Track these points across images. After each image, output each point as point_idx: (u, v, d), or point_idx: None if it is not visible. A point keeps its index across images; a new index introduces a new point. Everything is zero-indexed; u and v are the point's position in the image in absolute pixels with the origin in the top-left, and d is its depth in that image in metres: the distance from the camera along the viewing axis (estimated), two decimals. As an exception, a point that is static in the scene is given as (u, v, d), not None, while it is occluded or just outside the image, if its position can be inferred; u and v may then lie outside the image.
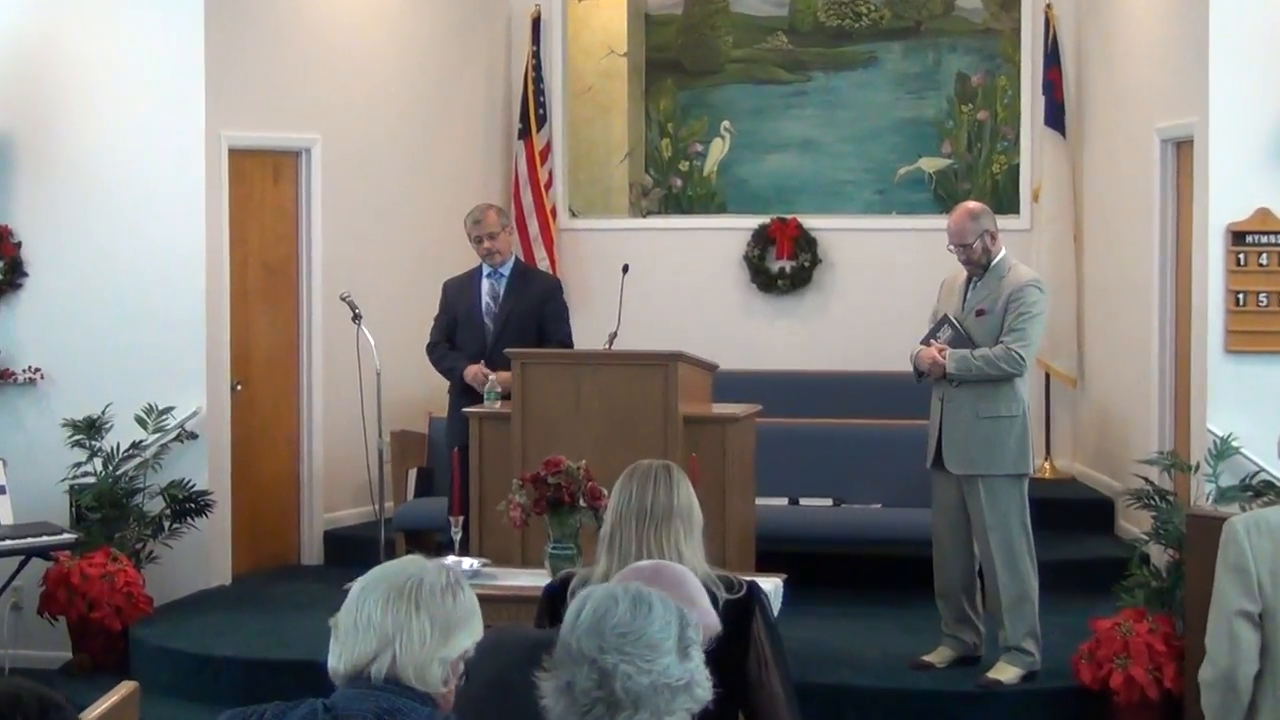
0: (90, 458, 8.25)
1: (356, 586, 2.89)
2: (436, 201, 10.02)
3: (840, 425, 9.04)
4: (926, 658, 7.10)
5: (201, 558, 8.56)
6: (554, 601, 4.35)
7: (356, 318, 7.86)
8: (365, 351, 7.81)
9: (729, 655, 3.81)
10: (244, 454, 8.93)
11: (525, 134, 10.78)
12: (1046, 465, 10.17)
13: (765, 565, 6.81)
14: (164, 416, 8.37)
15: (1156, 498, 7.30)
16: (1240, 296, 7.55)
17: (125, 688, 4.33)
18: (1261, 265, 7.54)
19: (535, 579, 5.88)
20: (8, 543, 7.69)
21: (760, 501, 7.60)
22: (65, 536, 7.94)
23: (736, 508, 6.99)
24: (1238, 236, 7.55)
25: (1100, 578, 7.76)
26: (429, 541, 8.63)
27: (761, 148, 11.13)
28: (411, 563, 2.92)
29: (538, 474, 5.99)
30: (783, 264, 10.78)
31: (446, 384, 8.17)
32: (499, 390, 7.42)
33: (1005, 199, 10.63)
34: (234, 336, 8.82)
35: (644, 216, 11.35)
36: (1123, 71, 9.39)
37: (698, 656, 2.72)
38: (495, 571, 6.41)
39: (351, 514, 9.53)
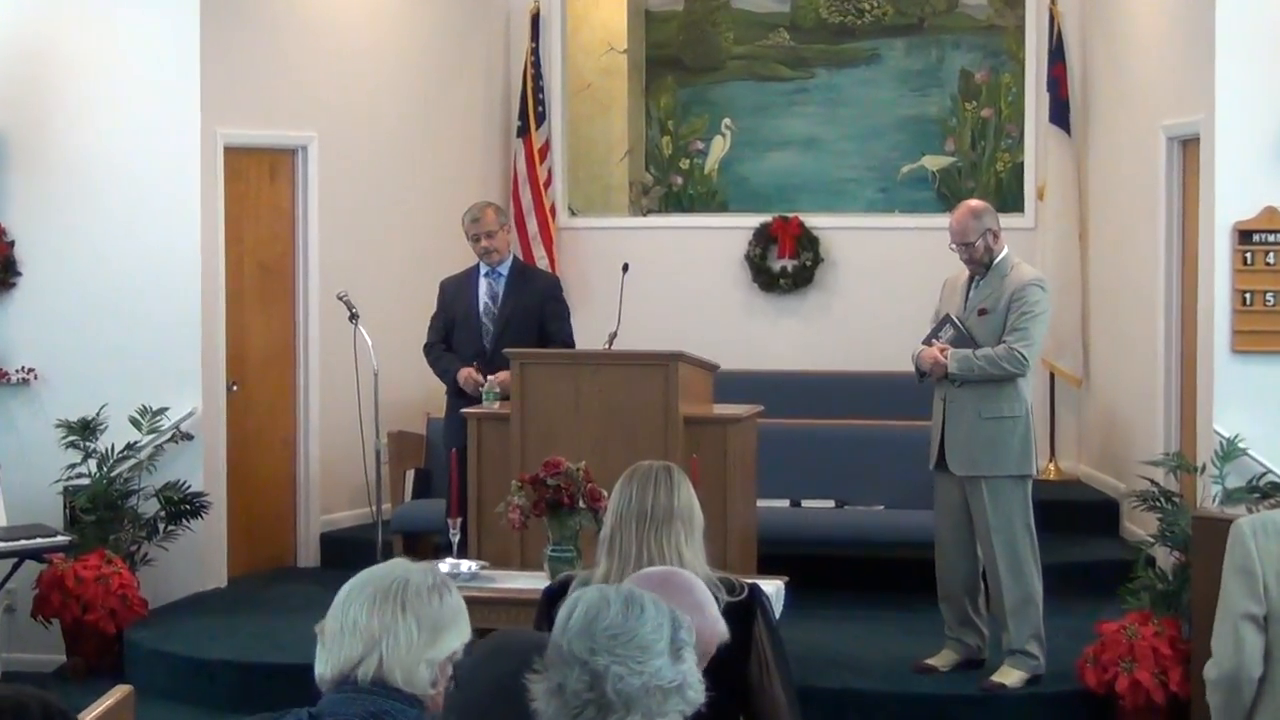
0: (84, 459, 8.25)
1: (342, 591, 2.90)
2: (435, 200, 10.02)
3: (843, 426, 9.04)
4: (930, 661, 7.10)
5: (197, 560, 8.56)
6: (553, 604, 4.34)
7: (354, 317, 7.85)
8: (362, 352, 7.81)
9: (730, 659, 3.81)
10: (240, 455, 8.93)
11: (524, 131, 10.78)
12: (1051, 466, 10.17)
13: (767, 567, 6.82)
14: (159, 417, 8.37)
15: (1162, 499, 7.30)
16: (1247, 296, 7.55)
17: (120, 692, 4.33)
18: (1268, 264, 7.54)
19: (534, 582, 5.88)
20: (1, 545, 7.69)
21: (762, 503, 7.59)
22: (59, 539, 7.94)
23: (738, 509, 6.99)
24: (1244, 235, 7.55)
25: (1105, 580, 7.76)
26: (427, 543, 8.64)
27: (763, 145, 11.13)
28: (397, 565, 2.93)
29: (537, 475, 5.99)
30: (784, 263, 10.78)
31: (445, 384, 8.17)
32: (498, 391, 7.41)
33: (1009, 197, 10.63)
34: (230, 336, 8.82)
35: (644, 215, 11.35)
36: (1128, 68, 9.39)
37: (690, 658, 2.72)
38: (494, 574, 6.41)
39: (348, 516, 9.52)
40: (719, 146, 11.21)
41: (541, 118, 10.82)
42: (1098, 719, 6.82)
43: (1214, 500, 7.09)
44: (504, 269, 8.02)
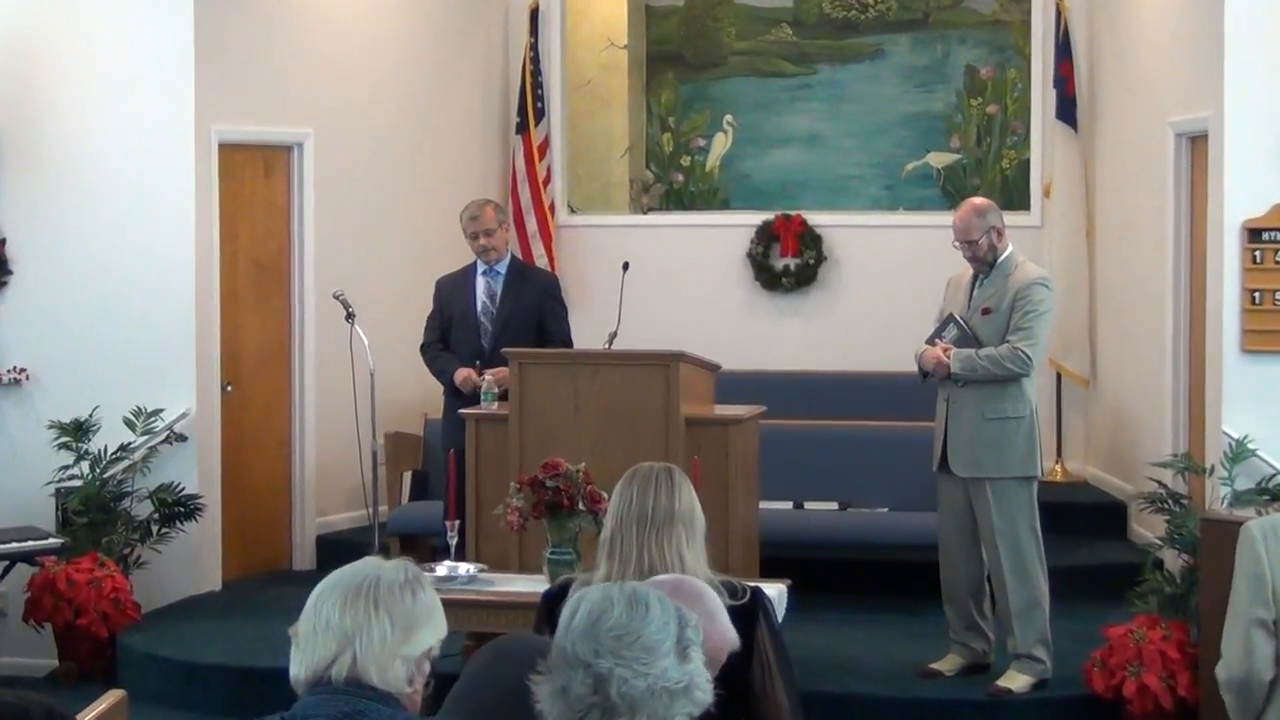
0: (77, 460, 8.25)
1: (314, 591, 2.91)
2: (432, 197, 10.02)
3: (846, 427, 9.04)
4: (935, 666, 7.10)
5: (191, 563, 8.56)
6: (552, 608, 4.35)
7: (350, 317, 7.85)
8: (359, 351, 7.81)
9: (733, 663, 3.81)
10: (234, 457, 8.93)
11: (523, 128, 10.78)
12: (1057, 467, 10.17)
13: (769, 571, 6.82)
14: (153, 418, 8.37)
15: (1170, 501, 7.30)
16: (1256, 295, 7.54)
17: (112, 696, 4.33)
18: (1278, 263, 7.54)
19: (533, 585, 5.88)
20: (-8, 547, 7.70)
21: (764, 505, 7.59)
22: (51, 541, 7.94)
23: (740, 512, 6.99)
24: (1253, 233, 7.55)
25: (1113, 583, 7.76)
26: (424, 546, 8.63)
27: (765, 142, 11.13)
28: (368, 563, 2.93)
29: (536, 477, 5.99)
30: (787, 261, 10.78)
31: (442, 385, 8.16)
32: (496, 390, 7.41)
33: (1015, 195, 10.63)
34: (224, 336, 8.82)
35: (645, 213, 11.36)
36: (1136, 64, 9.39)
37: (697, 657, 2.69)
38: (492, 577, 6.41)
39: (345, 518, 9.52)
40: (720, 143, 11.21)
41: (541, 114, 10.82)
42: (1105, 724, 6.82)
43: (1223, 502, 7.09)
44: (502, 267, 8.01)
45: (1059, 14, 10.21)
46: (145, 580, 8.25)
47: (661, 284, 10.46)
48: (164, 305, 8.52)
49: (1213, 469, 7.31)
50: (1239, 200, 7.56)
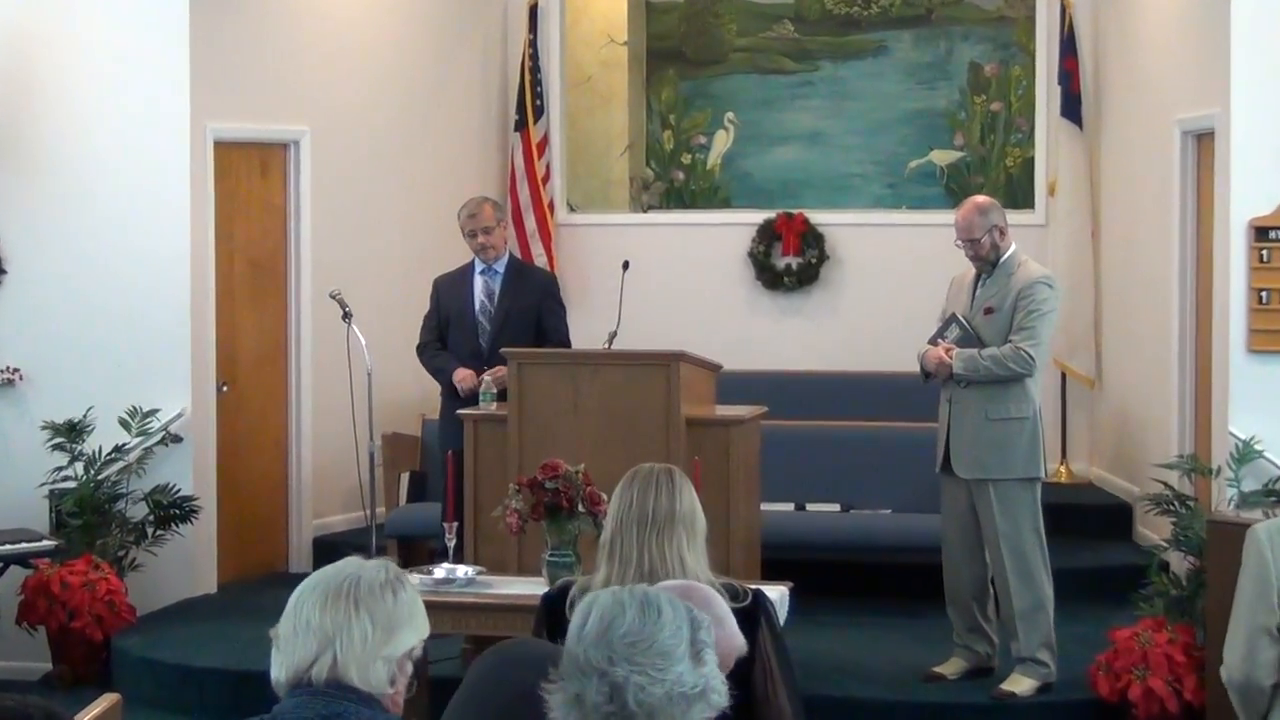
0: (71, 462, 8.25)
1: (295, 593, 2.91)
2: (430, 196, 10.02)
3: (848, 428, 9.04)
4: (938, 669, 7.11)
5: (186, 565, 8.56)
6: (552, 611, 4.36)
7: (347, 316, 7.85)
8: (356, 351, 7.81)
9: (735, 667, 3.81)
10: (230, 458, 8.93)
11: (522, 126, 10.78)
12: (1062, 469, 10.17)
13: (771, 573, 6.82)
14: (148, 419, 8.37)
15: (1176, 503, 7.30)
16: (1263, 294, 7.55)
17: (107, 700, 4.33)
18: (1285, 262, 7.54)
19: (532, 587, 5.89)
20: (-15, 550, 7.71)
21: (766, 507, 7.60)
22: (45, 543, 7.94)
23: (741, 513, 6.99)
24: (1260, 232, 7.55)
25: (1118, 586, 7.76)
26: (422, 548, 8.64)
27: (767, 140, 11.14)
28: (349, 563, 2.94)
29: (535, 478, 5.99)
30: (789, 260, 10.78)
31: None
32: (495, 390, 7.41)
33: (1020, 193, 10.64)
34: (220, 336, 8.82)
35: (645, 211, 11.36)
36: (1141, 61, 9.39)
37: (711, 660, 2.69)
38: (491, 580, 6.41)
39: (342, 520, 9.53)
40: (721, 141, 11.21)
41: (540, 111, 10.82)
42: (1110, 728, 6.82)
43: (1229, 504, 7.09)
44: (500, 266, 8.01)
45: (1064, 10, 10.21)
46: (140, 583, 8.26)
47: (662, 283, 10.47)
48: (159, 304, 8.52)
49: (1219, 470, 7.31)
50: (1245, 199, 7.56)
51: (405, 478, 9.25)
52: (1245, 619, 4.80)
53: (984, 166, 10.86)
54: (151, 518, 8.33)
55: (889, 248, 10.62)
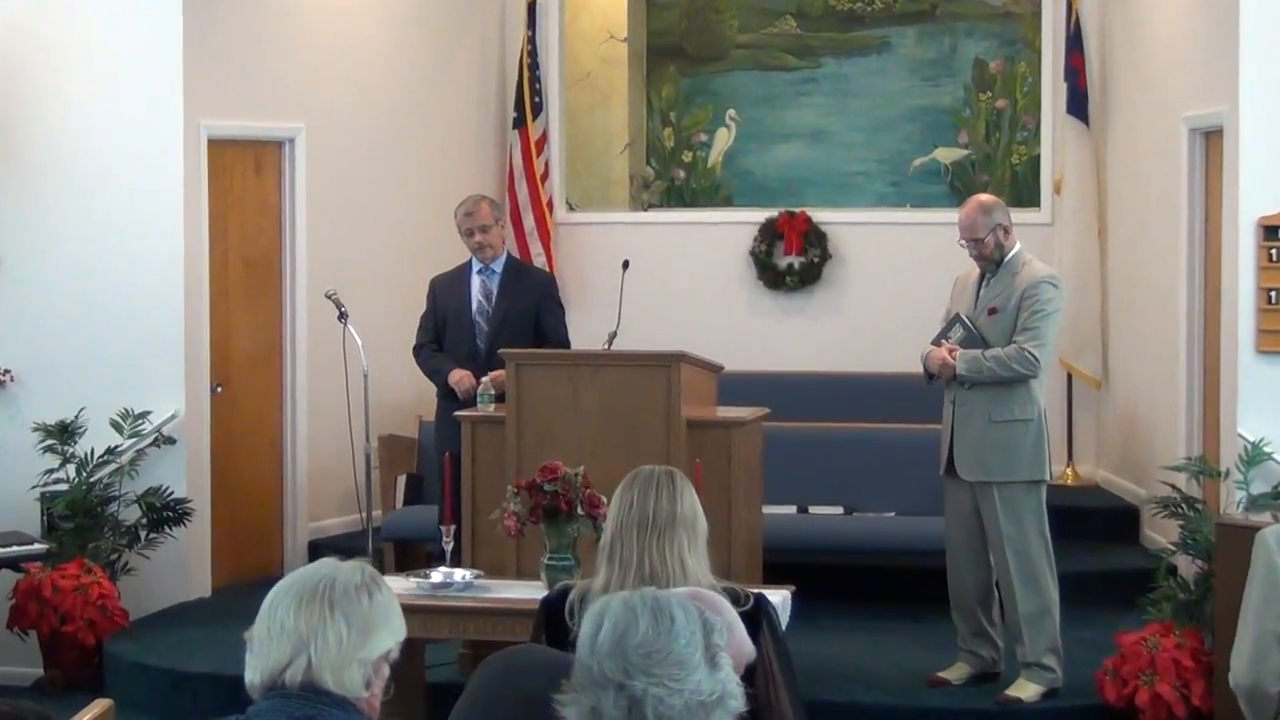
0: (63, 464, 8.25)
1: (270, 594, 2.92)
2: (427, 194, 10.02)
3: (851, 429, 9.04)
4: (942, 674, 7.11)
5: (180, 569, 8.56)
6: (551, 615, 4.37)
7: (343, 316, 7.85)
8: (352, 352, 7.81)
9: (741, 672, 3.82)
10: (224, 460, 8.93)
11: (520, 123, 10.79)
12: (1069, 471, 10.18)
13: (773, 577, 6.81)
14: (140, 420, 8.37)
15: (1184, 506, 7.30)
16: (1272, 294, 7.54)
17: (99, 706, 4.34)
18: (1294, 261, 7.54)
19: (531, 591, 5.88)
20: (-24, 553, 7.71)
21: (767, 509, 7.60)
22: (36, 547, 7.94)
23: (743, 516, 6.99)
24: (1269, 231, 7.55)
25: (1125, 590, 7.76)
26: (419, 552, 8.64)
27: (768, 138, 11.14)
28: (324, 564, 2.95)
29: (533, 481, 5.99)
30: (791, 260, 10.78)
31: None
32: (493, 392, 7.41)
33: (1025, 191, 10.64)
34: (214, 336, 8.82)
35: (645, 210, 11.36)
36: (1149, 57, 9.40)
37: (726, 663, 2.69)
38: (489, 583, 6.41)
39: (337, 523, 9.53)
40: (723, 139, 11.22)
41: (538, 109, 10.83)
42: (1117, 734, 6.83)
43: (1238, 506, 7.10)
44: (498, 266, 8.00)
45: (1070, 6, 10.20)
46: (133, 586, 8.26)
47: (662, 283, 10.47)
48: (152, 304, 8.52)
49: (1227, 472, 7.31)
50: (1254, 197, 7.56)
51: (402, 480, 9.26)
52: (1253, 624, 4.81)
53: (989, 164, 10.87)
54: (144, 521, 8.33)
55: (892, 247, 10.62)
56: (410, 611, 6.32)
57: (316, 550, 9.29)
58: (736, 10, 11.20)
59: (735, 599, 4.11)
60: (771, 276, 10.79)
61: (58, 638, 7.86)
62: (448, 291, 8.07)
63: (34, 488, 8.26)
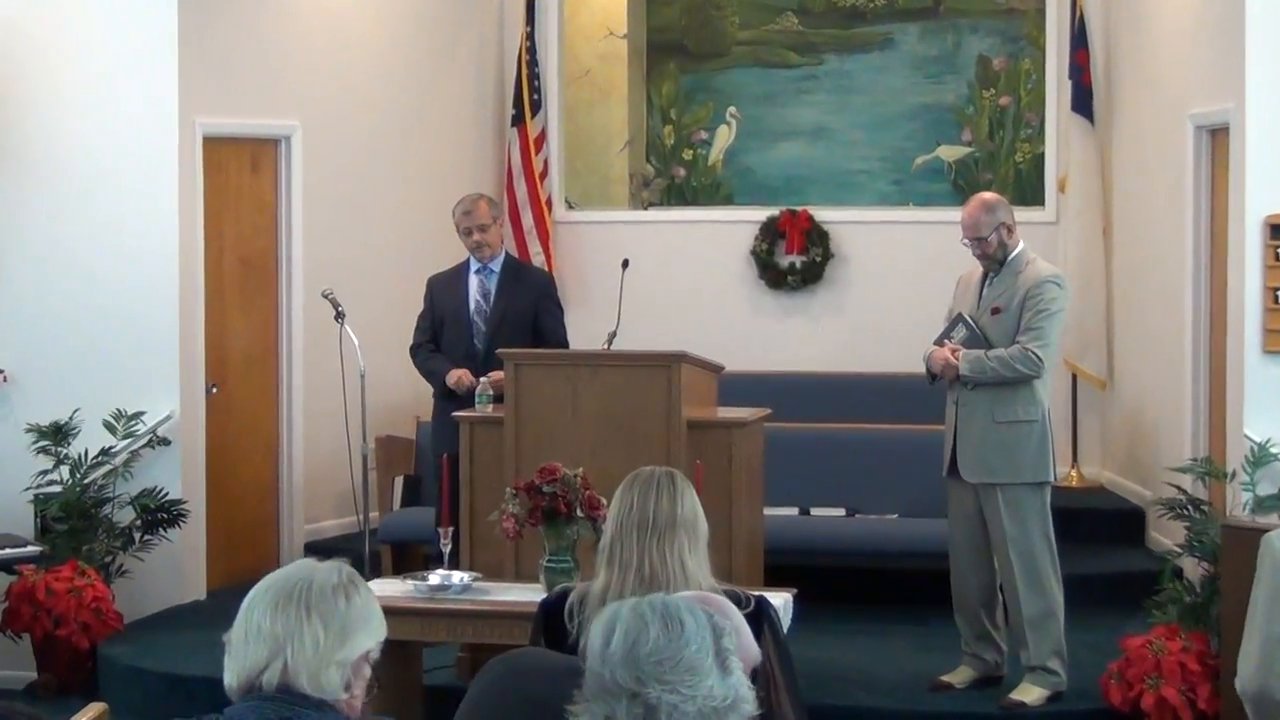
0: (56, 465, 8.25)
1: (247, 597, 2.93)
2: (425, 192, 10.02)
3: (854, 430, 9.05)
4: (945, 678, 7.11)
5: (175, 571, 8.56)
6: (550, 618, 4.37)
7: (339, 316, 7.85)
8: (349, 352, 7.81)
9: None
10: (220, 461, 8.94)
11: (519, 121, 10.79)
12: (1073, 472, 10.18)
13: (774, 579, 6.82)
14: (135, 421, 8.37)
15: (1190, 507, 7.30)
16: (1278, 294, 7.55)
17: (93, 710, 4.34)
18: (1301, 260, 7.55)
19: (530, 594, 5.89)
20: (-32, 555, 7.71)
21: (769, 511, 7.60)
22: (29, 549, 7.93)
23: (744, 518, 6.99)
24: (1276, 229, 7.55)
25: (1130, 593, 7.77)
26: (416, 554, 8.64)
27: (770, 135, 11.14)
28: (302, 565, 2.96)
29: (532, 482, 5.99)
30: (792, 259, 10.79)
31: (436, 387, 8.17)
32: (491, 393, 7.41)
33: (1029, 189, 10.64)
34: (209, 336, 8.82)
35: (645, 208, 11.36)
36: (1154, 54, 9.40)
37: (737, 667, 2.70)
38: (487, 586, 6.41)
39: (334, 525, 9.53)
40: (724, 136, 11.22)
41: (537, 106, 10.83)
42: (1122, 738, 6.83)
43: (1244, 508, 7.10)
44: (496, 265, 8.01)
45: (1074, 2, 10.20)
46: (127, 589, 8.26)
47: (662, 282, 10.47)
48: (147, 304, 8.52)
49: (1234, 474, 7.31)
50: (1260, 195, 7.57)
51: (399, 481, 9.26)
52: (1260, 628, 4.81)
53: (993, 162, 10.87)
54: (139, 522, 8.33)
55: (895, 246, 10.63)
56: (408, 614, 6.37)
57: (313, 552, 9.29)
58: (737, 6, 11.20)
59: (736, 602, 4.10)
60: (773, 276, 10.79)
61: (51, 641, 7.86)
62: (445, 291, 8.07)
63: (27, 489, 8.26)
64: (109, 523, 8.29)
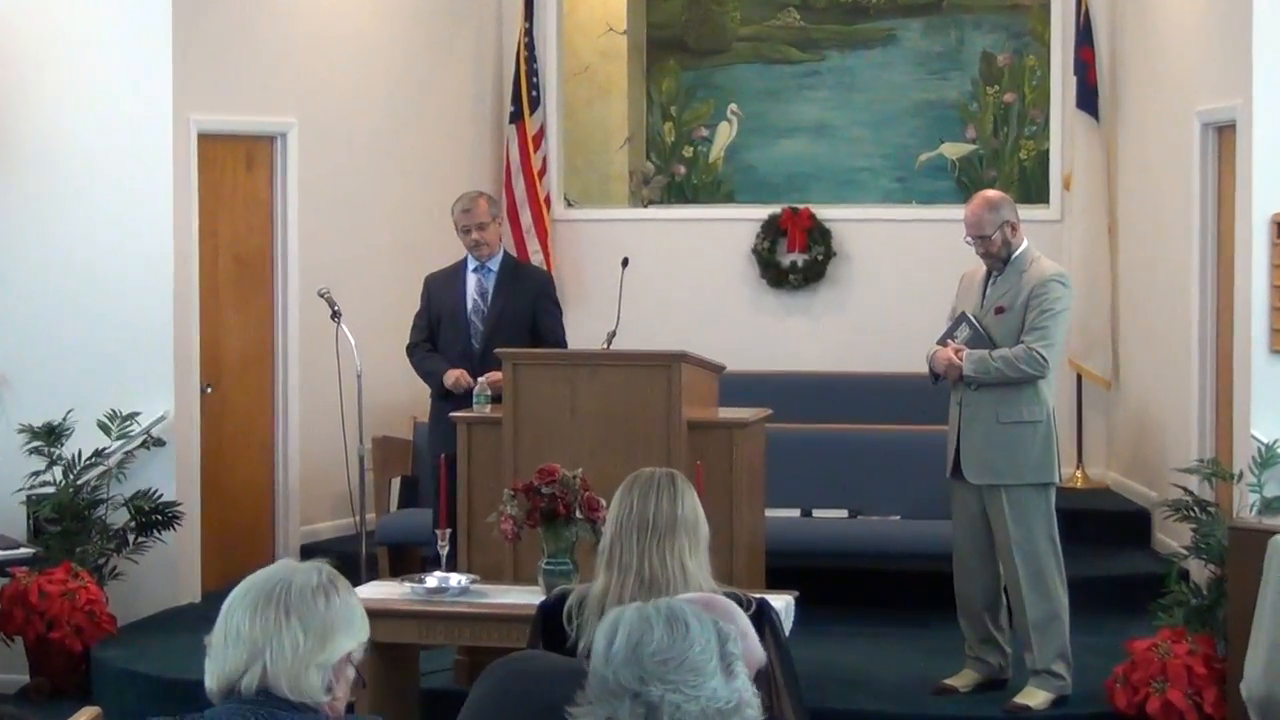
0: (49, 466, 8.25)
1: (227, 600, 2.93)
2: (422, 190, 10.03)
3: (856, 431, 9.05)
4: (949, 681, 7.11)
5: (169, 573, 8.56)
6: (549, 620, 4.37)
7: (335, 315, 7.86)
8: (345, 352, 7.81)
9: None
10: (215, 462, 8.94)
11: (517, 118, 10.79)
12: (1078, 474, 10.18)
13: (776, 581, 6.82)
14: (129, 422, 8.37)
15: (1196, 509, 7.30)
16: (1286, 293, 7.55)
17: (87, 714, 4.34)
18: (1309, 259, 7.55)
19: (528, 596, 5.89)
20: (-39, 557, 7.71)
21: (770, 513, 7.60)
22: (22, 551, 7.93)
23: (745, 519, 7.00)
24: (1283, 228, 7.56)
25: (1136, 595, 7.77)
26: (414, 555, 8.64)
27: (771, 132, 11.14)
28: (282, 567, 2.96)
29: (531, 484, 6.00)
30: (794, 257, 10.79)
31: (434, 387, 8.17)
32: (489, 393, 7.41)
33: (1034, 187, 10.64)
34: (204, 336, 8.82)
35: (645, 206, 11.36)
36: (1160, 50, 9.40)
37: (742, 671, 2.72)
38: (485, 589, 6.42)
39: (330, 526, 9.53)
40: (725, 133, 11.21)
41: (536, 103, 10.83)
42: (1128, 742, 6.83)
43: (1251, 510, 7.10)
44: (494, 264, 8.01)
45: (1080, -2, 10.22)
46: (121, 592, 8.26)
47: (662, 281, 10.47)
48: (141, 303, 8.52)
49: (1241, 475, 7.31)
50: (1268, 193, 7.57)
51: (396, 482, 9.26)
52: (1267, 631, 4.81)
53: (997, 160, 10.87)
54: (133, 524, 8.33)
55: (898, 244, 10.63)
56: (404, 617, 6.38)
57: (309, 554, 9.29)
58: (738, 2, 11.20)
59: (737, 604, 4.11)
60: (774, 274, 10.79)
61: (44, 644, 7.86)
62: (443, 290, 8.08)
63: (20, 490, 8.26)
64: (103, 524, 8.29)
